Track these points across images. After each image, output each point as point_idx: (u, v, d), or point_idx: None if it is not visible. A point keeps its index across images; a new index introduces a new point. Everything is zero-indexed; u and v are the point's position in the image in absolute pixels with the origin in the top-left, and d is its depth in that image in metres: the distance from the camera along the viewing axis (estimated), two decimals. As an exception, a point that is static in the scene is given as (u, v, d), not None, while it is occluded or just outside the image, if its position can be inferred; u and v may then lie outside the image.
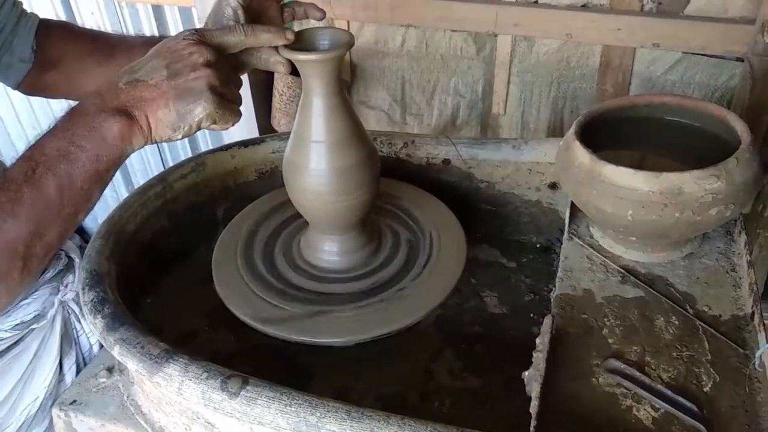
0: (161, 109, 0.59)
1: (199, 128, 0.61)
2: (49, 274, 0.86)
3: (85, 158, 0.57)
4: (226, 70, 0.63)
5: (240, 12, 0.70)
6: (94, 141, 0.57)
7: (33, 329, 0.86)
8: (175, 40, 0.62)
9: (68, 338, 0.90)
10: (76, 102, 0.61)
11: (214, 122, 0.62)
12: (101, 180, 0.59)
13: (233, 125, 0.65)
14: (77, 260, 0.87)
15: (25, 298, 0.84)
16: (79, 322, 0.98)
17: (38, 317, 0.85)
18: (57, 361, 0.88)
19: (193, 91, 0.59)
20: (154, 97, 0.59)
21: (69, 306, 0.91)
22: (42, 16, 2.06)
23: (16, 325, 0.88)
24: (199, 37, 0.62)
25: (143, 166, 2.14)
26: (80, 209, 0.58)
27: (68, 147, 0.56)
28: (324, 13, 0.79)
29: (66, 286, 0.87)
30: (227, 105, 0.62)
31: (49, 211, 0.55)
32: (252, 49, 0.70)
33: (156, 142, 0.62)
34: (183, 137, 0.61)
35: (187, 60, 0.60)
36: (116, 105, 0.58)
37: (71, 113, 0.59)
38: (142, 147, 0.61)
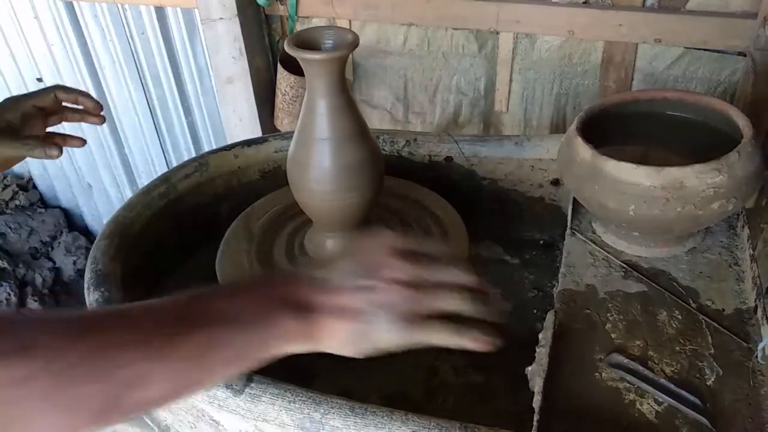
0: (342, 327, 0.50)
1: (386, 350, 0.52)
2: None
3: (240, 341, 0.47)
4: (426, 286, 0.52)
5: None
6: (257, 330, 0.48)
7: None
8: (378, 245, 0.53)
9: None
10: None
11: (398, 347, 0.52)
12: (238, 367, 0.49)
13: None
14: None
15: None
16: None
17: None
18: None
19: (381, 317, 0.50)
20: (337, 309, 0.50)
21: None
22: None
23: None
24: (405, 250, 0.53)
25: (147, 167, 2.15)
26: (200, 383, 0.47)
27: (226, 319, 0.47)
28: (84, 142, 0.86)
29: None
30: (426, 330, 0.51)
31: (176, 369, 0.45)
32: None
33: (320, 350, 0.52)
34: (358, 356, 0.52)
35: (384, 273, 0.51)
36: (296, 302, 0.50)
37: (244, 285, 0.53)
38: (294, 351, 0.51)
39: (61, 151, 0.80)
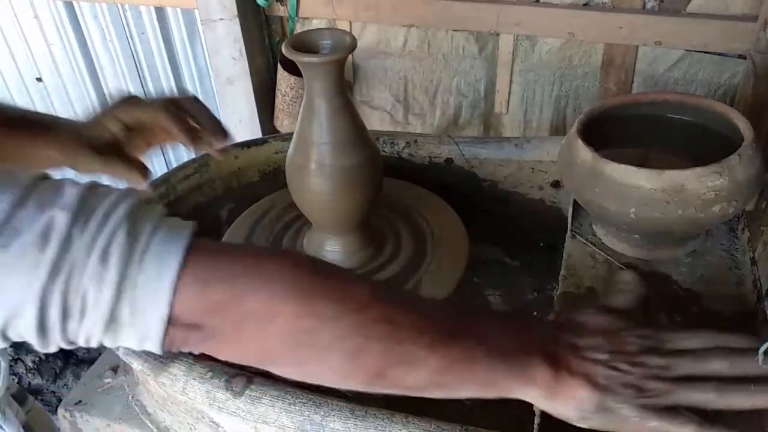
0: (587, 392, 0.48)
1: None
2: None
3: (497, 367, 0.48)
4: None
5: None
6: (512, 366, 0.48)
7: None
8: (627, 320, 0.54)
9: None
10: None
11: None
12: (478, 388, 0.49)
13: None
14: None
15: None
16: None
17: None
18: None
19: (620, 393, 0.48)
20: (587, 374, 0.49)
21: None
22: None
23: None
24: (655, 338, 0.52)
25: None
26: (443, 388, 0.49)
27: (495, 347, 0.48)
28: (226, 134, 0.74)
29: None
30: (653, 418, 0.49)
31: (430, 358, 0.47)
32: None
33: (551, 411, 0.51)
34: (584, 425, 0.50)
35: (630, 347, 0.51)
36: (550, 354, 0.49)
37: (513, 322, 0.53)
38: (528, 398, 0.50)
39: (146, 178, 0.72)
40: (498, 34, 1.41)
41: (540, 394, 0.49)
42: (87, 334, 0.41)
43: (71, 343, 0.42)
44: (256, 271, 0.45)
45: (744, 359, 0.52)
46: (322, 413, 0.58)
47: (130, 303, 0.40)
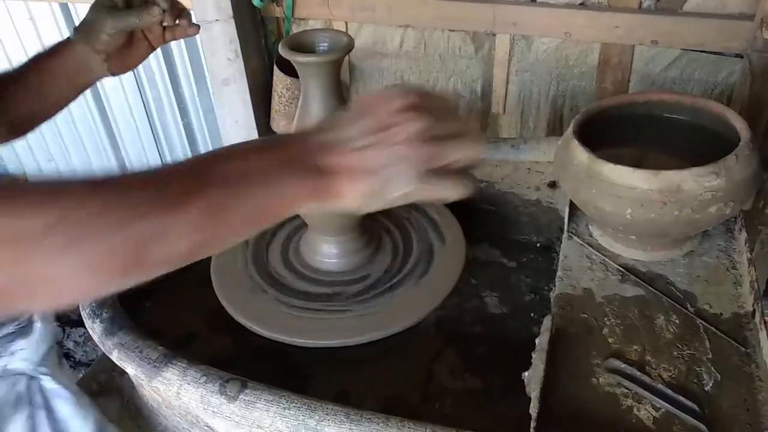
0: (353, 184, 0.49)
1: (393, 204, 0.52)
2: None
3: (253, 201, 0.47)
4: (437, 133, 0.51)
5: None
6: (269, 191, 0.48)
7: None
8: (380, 95, 0.52)
9: (14, 410, 0.74)
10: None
11: (413, 200, 0.51)
12: (252, 225, 0.49)
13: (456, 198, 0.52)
14: (39, 325, 0.77)
15: None
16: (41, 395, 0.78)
17: None
18: None
19: (392, 170, 0.49)
20: (347, 168, 0.49)
21: (27, 376, 0.75)
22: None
23: None
24: (410, 101, 0.51)
25: (142, 164, 2.14)
26: (210, 243, 0.47)
27: (240, 180, 0.47)
28: (197, 28, 0.79)
29: (12, 354, 0.73)
30: (436, 183, 0.51)
31: (196, 223, 0.45)
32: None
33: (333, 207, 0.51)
34: (372, 210, 0.52)
35: (394, 130, 0.50)
36: (306, 164, 0.49)
37: (256, 144, 0.53)
38: (304, 210, 0.53)
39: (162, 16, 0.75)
40: (494, 34, 1.40)
41: (314, 202, 0.49)
42: None
43: None
44: None
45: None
46: (317, 417, 0.58)
47: None
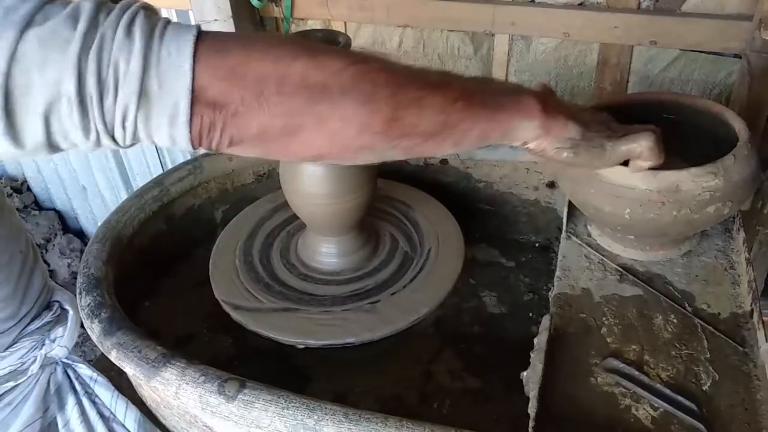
0: (570, 122, 0.61)
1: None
2: (33, 326, 0.73)
3: (491, 103, 0.56)
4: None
5: None
6: (508, 97, 0.58)
7: (13, 387, 0.73)
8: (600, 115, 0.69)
9: (59, 399, 0.77)
10: None
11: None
12: (477, 139, 0.57)
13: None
14: (71, 312, 0.78)
15: (2, 351, 0.72)
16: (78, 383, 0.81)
17: (14, 373, 0.72)
18: (37, 424, 0.74)
19: (595, 129, 0.64)
20: (567, 113, 0.61)
21: (62, 363, 0.78)
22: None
23: None
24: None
25: (143, 168, 2.14)
26: (446, 134, 0.55)
27: (484, 95, 0.56)
28: None
29: (54, 341, 0.75)
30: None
31: (437, 98, 0.53)
32: None
33: (533, 152, 0.62)
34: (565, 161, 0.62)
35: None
36: (542, 96, 0.59)
37: (512, 90, 0.61)
38: (521, 145, 0.60)
39: None
40: (493, 35, 1.40)
41: (535, 124, 0.58)
42: (123, 110, 0.43)
43: (109, 127, 0.44)
44: (263, 38, 0.50)
45: None
46: (316, 417, 0.58)
47: (157, 74, 0.43)
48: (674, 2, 1.23)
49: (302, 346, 0.75)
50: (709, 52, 1.24)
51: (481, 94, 0.56)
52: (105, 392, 0.77)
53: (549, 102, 0.59)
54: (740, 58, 1.21)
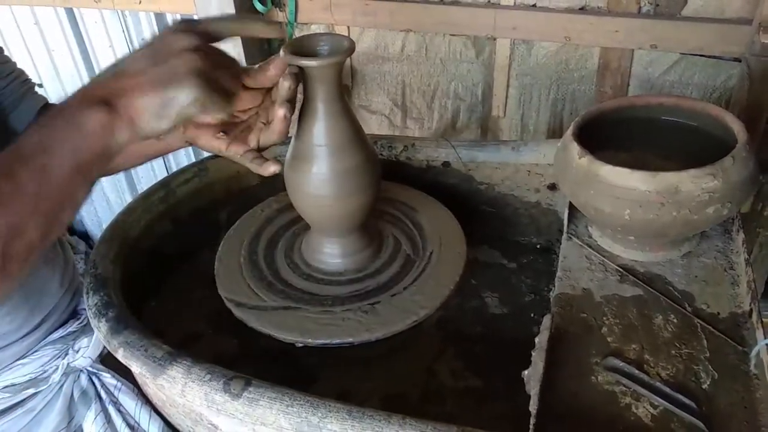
0: (142, 97, 0.54)
1: (187, 117, 0.56)
2: (56, 335, 0.75)
3: (64, 151, 0.52)
4: (216, 56, 0.59)
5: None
6: (72, 133, 0.52)
7: (33, 394, 0.73)
8: (162, 32, 0.59)
9: (84, 406, 0.77)
10: None
11: (204, 110, 0.56)
12: (83, 174, 0.53)
13: (227, 115, 0.59)
14: None
15: (22, 358, 0.73)
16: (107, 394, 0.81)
17: (35, 381, 0.73)
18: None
19: (176, 76, 0.54)
20: (134, 86, 0.54)
21: (87, 372, 0.78)
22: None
23: (5, 387, 0.76)
24: (186, 26, 0.59)
25: (147, 171, 2.15)
26: (62, 206, 0.52)
27: (45, 141, 0.52)
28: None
29: (77, 351, 0.75)
30: (216, 90, 0.56)
31: (25, 206, 0.50)
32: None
33: (145, 135, 0.56)
34: (171, 126, 0.56)
35: (171, 46, 0.56)
36: (97, 97, 0.54)
37: (52, 110, 0.55)
38: (132, 141, 0.55)
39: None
40: (495, 39, 1.41)
41: (116, 131, 0.53)
42: None
43: None
44: None
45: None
46: (320, 414, 0.59)
47: None
48: (675, 6, 1.25)
49: (301, 345, 0.76)
50: (709, 56, 1.26)
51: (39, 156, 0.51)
52: (129, 401, 0.76)
53: (114, 94, 0.54)
54: (740, 61, 1.22)
